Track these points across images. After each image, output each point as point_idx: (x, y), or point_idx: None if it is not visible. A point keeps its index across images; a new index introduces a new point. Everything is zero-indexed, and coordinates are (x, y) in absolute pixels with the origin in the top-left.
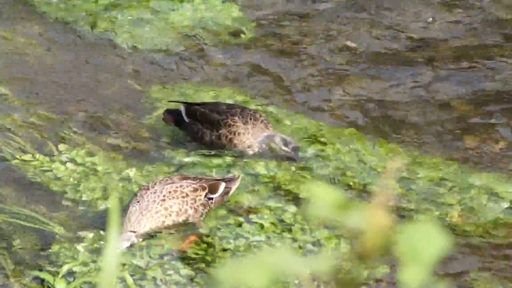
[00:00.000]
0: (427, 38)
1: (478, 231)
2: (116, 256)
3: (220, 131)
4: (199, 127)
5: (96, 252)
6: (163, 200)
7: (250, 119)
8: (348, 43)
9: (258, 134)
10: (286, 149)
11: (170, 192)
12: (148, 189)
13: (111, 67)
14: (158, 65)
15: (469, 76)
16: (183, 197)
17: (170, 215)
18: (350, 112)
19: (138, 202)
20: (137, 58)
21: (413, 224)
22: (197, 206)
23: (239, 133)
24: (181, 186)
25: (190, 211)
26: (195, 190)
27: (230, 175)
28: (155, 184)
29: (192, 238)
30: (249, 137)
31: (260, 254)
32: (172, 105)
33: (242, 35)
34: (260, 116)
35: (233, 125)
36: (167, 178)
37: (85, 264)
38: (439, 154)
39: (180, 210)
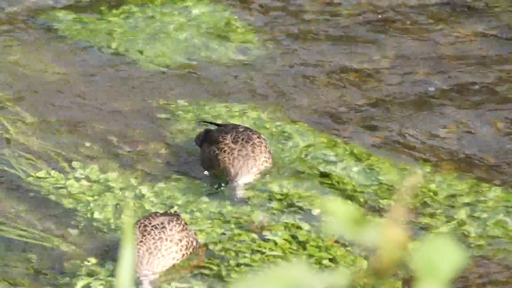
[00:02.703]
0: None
1: (493, 246)
2: (130, 272)
3: (211, 147)
4: (204, 147)
5: (110, 269)
6: (172, 235)
7: (242, 139)
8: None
9: (241, 158)
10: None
11: (174, 226)
12: (146, 226)
13: (127, 85)
14: (175, 81)
15: (487, 93)
16: (186, 229)
17: (181, 250)
18: (362, 129)
19: (142, 242)
20: (153, 75)
21: (429, 239)
22: (195, 236)
23: (224, 151)
24: (177, 219)
25: (194, 243)
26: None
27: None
28: (149, 220)
29: (202, 257)
30: (235, 156)
31: (275, 269)
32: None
33: (253, 51)
34: (258, 138)
35: (222, 142)
36: (154, 213)
37: (98, 281)
38: (454, 169)
39: (188, 243)
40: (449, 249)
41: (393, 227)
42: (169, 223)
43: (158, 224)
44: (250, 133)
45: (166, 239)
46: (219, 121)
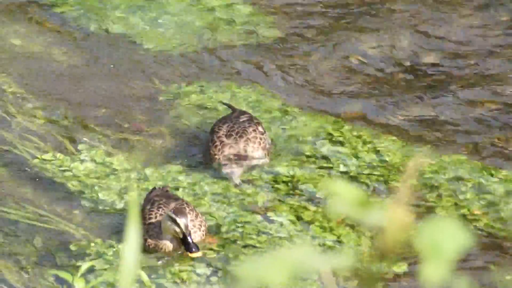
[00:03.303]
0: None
1: (498, 228)
2: (135, 254)
3: (208, 136)
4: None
5: (115, 250)
6: (191, 221)
7: (237, 133)
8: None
9: (232, 157)
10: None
11: (191, 210)
12: (163, 214)
13: (130, 67)
14: (177, 64)
15: (494, 75)
16: (199, 214)
17: (204, 234)
18: (367, 111)
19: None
20: (155, 58)
21: (433, 220)
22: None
23: (216, 146)
24: (187, 204)
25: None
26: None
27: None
28: (163, 210)
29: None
30: (225, 154)
31: (280, 251)
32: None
33: (258, 34)
34: (254, 131)
35: (216, 133)
36: (161, 200)
37: (104, 262)
38: (460, 151)
39: (206, 227)
40: (453, 230)
41: (398, 208)
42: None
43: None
44: (247, 125)
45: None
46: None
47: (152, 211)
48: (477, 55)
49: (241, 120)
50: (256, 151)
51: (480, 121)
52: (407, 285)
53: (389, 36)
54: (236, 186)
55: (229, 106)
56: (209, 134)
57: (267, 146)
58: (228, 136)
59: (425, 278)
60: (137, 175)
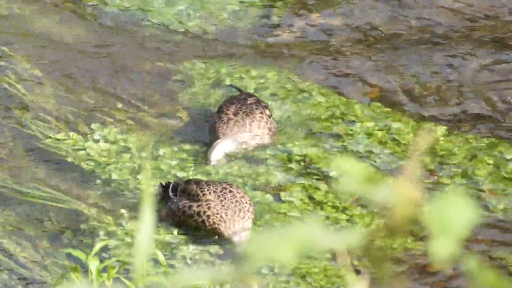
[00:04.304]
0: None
1: (508, 206)
2: (149, 234)
3: (215, 114)
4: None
5: (129, 230)
6: (243, 197)
7: (244, 112)
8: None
9: (235, 129)
10: None
11: (238, 192)
12: (216, 191)
13: (143, 46)
14: (192, 42)
15: (506, 55)
16: (246, 194)
17: (252, 214)
18: (381, 89)
19: (223, 206)
20: (170, 36)
21: (443, 196)
22: None
23: (222, 120)
24: (230, 186)
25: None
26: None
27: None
28: (213, 186)
29: None
30: (230, 126)
31: (290, 229)
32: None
33: (275, 12)
34: (260, 113)
35: (225, 112)
36: (214, 181)
37: (118, 242)
38: (472, 129)
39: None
40: (463, 206)
41: (406, 184)
42: (232, 187)
43: (224, 189)
44: (254, 107)
45: (242, 202)
46: (237, 83)
47: (203, 188)
48: (491, 31)
49: (248, 102)
50: (260, 129)
51: (492, 99)
52: (417, 262)
53: (402, 16)
54: (208, 162)
55: (237, 89)
56: (216, 114)
57: (273, 129)
58: (235, 114)
59: (434, 255)
60: (149, 154)
